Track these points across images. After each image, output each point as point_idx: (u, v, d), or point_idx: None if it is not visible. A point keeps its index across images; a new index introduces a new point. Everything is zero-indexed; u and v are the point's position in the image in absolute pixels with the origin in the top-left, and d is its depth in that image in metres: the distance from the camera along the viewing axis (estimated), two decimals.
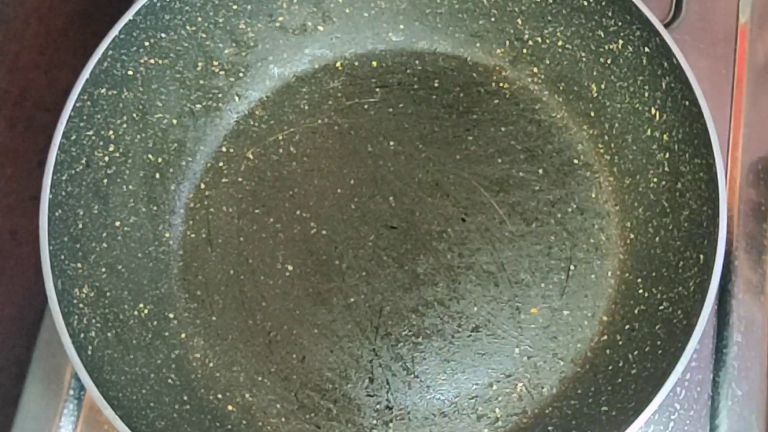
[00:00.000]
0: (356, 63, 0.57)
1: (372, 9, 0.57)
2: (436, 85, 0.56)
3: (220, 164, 0.55)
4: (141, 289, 0.50)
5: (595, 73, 0.53)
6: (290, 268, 0.52)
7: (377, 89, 0.57)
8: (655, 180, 0.51)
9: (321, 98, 0.56)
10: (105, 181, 0.50)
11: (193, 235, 0.53)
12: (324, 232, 0.53)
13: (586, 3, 0.52)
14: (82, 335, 0.45)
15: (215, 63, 0.55)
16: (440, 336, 0.50)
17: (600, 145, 0.54)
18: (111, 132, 0.51)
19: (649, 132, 0.51)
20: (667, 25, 0.57)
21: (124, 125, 0.51)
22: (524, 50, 0.56)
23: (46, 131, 0.48)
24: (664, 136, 0.50)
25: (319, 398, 0.49)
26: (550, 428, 0.47)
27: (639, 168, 0.52)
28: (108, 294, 0.48)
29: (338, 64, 0.57)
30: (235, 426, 0.49)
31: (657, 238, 0.50)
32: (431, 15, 0.57)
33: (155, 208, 0.53)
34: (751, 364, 0.50)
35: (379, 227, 0.53)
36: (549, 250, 0.52)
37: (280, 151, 0.55)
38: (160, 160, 0.53)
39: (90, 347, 0.45)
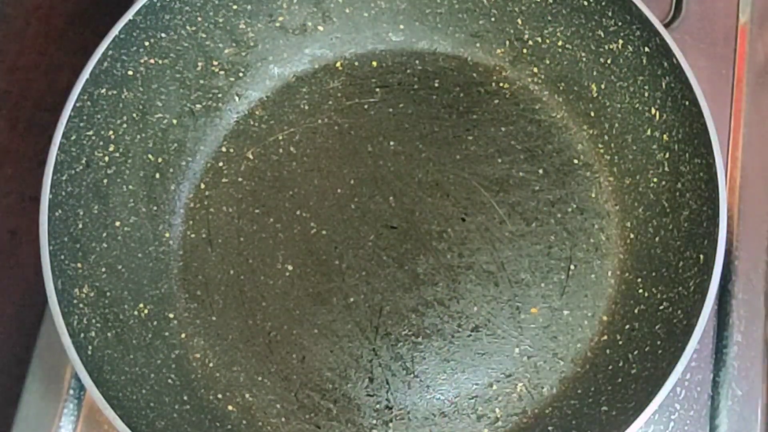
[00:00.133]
0: (356, 63, 0.57)
1: (372, 9, 0.57)
2: (436, 85, 0.56)
3: (220, 164, 0.55)
4: (141, 289, 0.50)
5: (595, 73, 0.53)
6: (290, 268, 0.52)
7: (377, 89, 0.57)
8: (655, 180, 0.51)
9: (321, 98, 0.56)
10: (105, 181, 0.50)
11: (193, 235, 0.53)
12: (324, 232, 0.53)
13: (586, 3, 0.52)
14: (82, 335, 0.45)
15: (215, 63, 0.55)
16: (440, 336, 0.50)
17: (600, 145, 0.54)
18: (111, 132, 0.51)
19: (649, 132, 0.51)
20: (667, 25, 0.57)
21: (124, 125, 0.51)
22: (524, 50, 0.56)
23: (46, 131, 0.48)
24: (664, 136, 0.50)
25: (319, 398, 0.49)
26: (550, 428, 0.47)
27: (639, 168, 0.52)
28: (108, 294, 0.48)
29: (338, 64, 0.57)
30: (235, 426, 0.49)
31: (657, 238, 0.50)
32: (431, 15, 0.57)
33: (155, 208, 0.53)
34: (751, 364, 0.50)
35: (379, 227, 0.53)
36: (549, 250, 0.52)
37: (280, 151, 0.55)
38: (160, 160, 0.53)
39: (90, 347, 0.45)
